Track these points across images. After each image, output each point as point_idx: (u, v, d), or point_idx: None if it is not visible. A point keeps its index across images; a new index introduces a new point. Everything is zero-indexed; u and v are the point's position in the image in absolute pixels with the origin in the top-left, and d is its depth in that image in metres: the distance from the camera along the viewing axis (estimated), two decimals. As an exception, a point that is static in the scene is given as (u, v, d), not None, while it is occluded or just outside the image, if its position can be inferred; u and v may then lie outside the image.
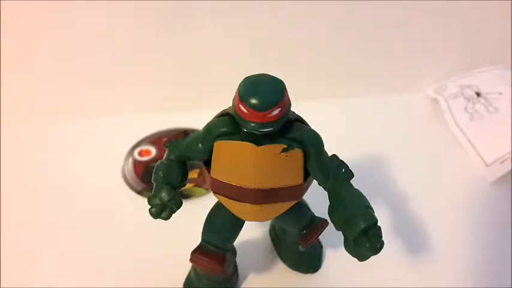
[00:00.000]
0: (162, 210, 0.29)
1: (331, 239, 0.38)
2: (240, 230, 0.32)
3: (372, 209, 0.27)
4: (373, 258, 0.27)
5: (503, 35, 0.57)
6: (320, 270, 0.38)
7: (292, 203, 0.29)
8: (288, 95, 0.26)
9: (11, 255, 0.39)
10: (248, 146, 0.26)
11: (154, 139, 0.50)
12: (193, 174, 0.45)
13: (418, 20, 0.55)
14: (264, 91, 0.25)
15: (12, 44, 0.49)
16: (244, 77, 0.26)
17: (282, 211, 0.29)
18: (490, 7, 0.55)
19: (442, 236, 0.41)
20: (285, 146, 0.26)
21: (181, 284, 0.37)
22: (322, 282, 0.38)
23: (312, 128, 0.29)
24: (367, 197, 0.28)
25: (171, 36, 0.52)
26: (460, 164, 0.49)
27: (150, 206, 0.28)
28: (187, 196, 0.44)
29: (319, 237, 0.35)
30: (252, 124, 0.25)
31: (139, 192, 0.45)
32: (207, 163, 0.28)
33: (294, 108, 0.27)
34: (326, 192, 0.29)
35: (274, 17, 0.52)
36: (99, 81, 0.53)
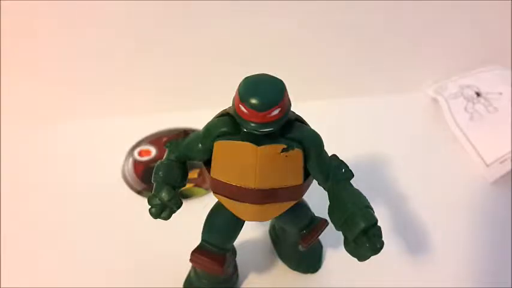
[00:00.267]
0: (162, 210, 0.28)
1: (331, 239, 0.38)
2: (240, 230, 0.32)
3: (372, 209, 0.27)
4: (373, 258, 0.27)
5: (503, 35, 0.57)
6: (320, 270, 0.38)
7: (292, 203, 0.29)
8: (288, 95, 0.26)
9: (11, 255, 0.39)
10: (248, 146, 0.26)
11: (154, 139, 0.50)
12: (193, 174, 0.45)
13: (418, 20, 0.55)
14: (264, 91, 0.25)
15: (12, 45, 0.49)
16: (244, 77, 0.26)
17: (282, 211, 0.29)
18: (490, 7, 0.55)
19: (442, 235, 0.41)
20: (285, 146, 0.26)
21: (181, 284, 0.37)
22: (322, 282, 0.38)
23: (312, 128, 0.29)
24: (367, 197, 0.28)
25: (171, 36, 0.52)
26: (460, 164, 0.49)
27: (150, 206, 0.28)
28: (187, 196, 0.44)
29: (319, 237, 0.35)
30: (252, 124, 0.25)
31: (139, 192, 0.45)
32: (207, 163, 0.28)
33: (294, 108, 0.27)
34: (326, 192, 0.29)
35: (275, 18, 0.52)
36: (99, 82, 0.53)
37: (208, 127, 0.28)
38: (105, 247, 0.40)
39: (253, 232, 0.41)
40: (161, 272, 0.37)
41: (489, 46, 0.57)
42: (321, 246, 0.39)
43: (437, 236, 0.41)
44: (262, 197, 0.27)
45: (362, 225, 0.26)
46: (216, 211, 0.32)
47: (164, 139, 0.50)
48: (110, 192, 0.44)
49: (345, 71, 0.57)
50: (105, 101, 0.53)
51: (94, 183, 0.45)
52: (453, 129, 0.52)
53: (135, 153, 0.49)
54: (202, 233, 0.32)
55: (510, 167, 0.45)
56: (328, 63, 0.56)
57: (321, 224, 0.33)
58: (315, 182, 0.29)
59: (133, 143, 0.50)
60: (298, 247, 0.34)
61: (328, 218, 0.29)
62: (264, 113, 0.24)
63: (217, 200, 0.30)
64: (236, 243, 0.33)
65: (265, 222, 0.41)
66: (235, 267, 0.37)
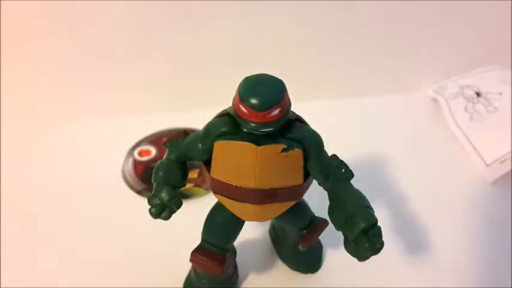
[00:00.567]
0: (162, 210, 0.28)
1: (331, 239, 0.38)
2: (240, 230, 0.32)
3: (372, 209, 0.27)
4: (373, 258, 0.27)
5: (503, 35, 0.57)
6: (320, 270, 0.38)
7: (292, 203, 0.29)
8: (288, 95, 0.26)
9: (11, 255, 0.39)
10: (248, 146, 0.26)
11: (154, 139, 0.50)
12: (193, 174, 0.45)
13: (418, 20, 0.55)
14: (264, 91, 0.25)
15: (12, 46, 0.49)
16: (244, 77, 0.26)
17: (282, 211, 0.29)
18: (490, 7, 0.55)
19: (442, 235, 0.41)
20: (285, 146, 0.26)
21: (181, 284, 0.37)
22: (322, 282, 0.38)
23: (312, 128, 0.29)
24: (367, 197, 0.28)
25: (171, 36, 0.52)
26: (460, 164, 0.49)
27: (150, 206, 0.28)
28: (187, 196, 0.44)
29: (319, 237, 0.35)
30: (252, 124, 0.25)
31: (139, 192, 0.45)
32: (207, 163, 0.28)
33: (294, 108, 0.27)
34: (326, 192, 0.29)
35: (275, 18, 0.52)
36: (99, 82, 0.53)
37: (208, 127, 0.28)
38: (105, 247, 0.40)
39: (253, 232, 0.41)
40: (161, 272, 0.37)
41: (489, 46, 0.57)
42: (321, 246, 0.39)
43: (437, 236, 0.41)
44: (262, 197, 0.27)
45: (362, 225, 0.26)
46: (216, 211, 0.32)
47: (164, 139, 0.50)
48: (110, 192, 0.44)
49: (345, 71, 0.57)
50: (105, 101, 0.53)
51: (94, 183, 0.45)
52: (453, 129, 0.52)
53: (135, 153, 0.49)
54: (202, 233, 0.32)
55: (510, 167, 0.45)
56: (328, 63, 0.56)
57: (321, 224, 0.33)
58: (315, 182, 0.29)
59: (133, 143, 0.50)
60: (298, 247, 0.34)
61: (328, 218, 0.29)
62: (264, 113, 0.24)
63: (217, 200, 0.30)
64: (236, 243, 0.33)
65: (265, 222, 0.41)
66: (235, 267, 0.37)
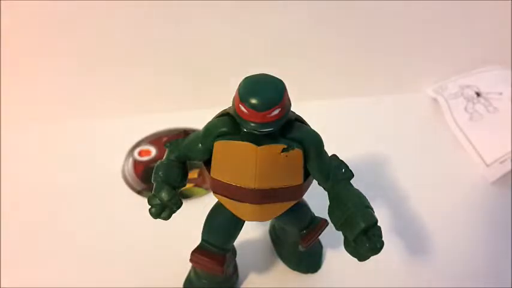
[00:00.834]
0: (162, 210, 0.28)
1: (331, 239, 0.38)
2: (240, 230, 0.32)
3: (371, 209, 0.27)
4: (373, 258, 0.27)
5: (503, 35, 0.57)
6: (320, 270, 0.38)
7: (292, 203, 0.29)
8: (288, 95, 0.26)
9: (11, 255, 0.39)
10: (248, 146, 0.26)
11: (154, 139, 0.50)
12: (193, 174, 0.45)
13: (418, 20, 0.55)
14: (264, 91, 0.25)
15: (12, 45, 0.49)
16: (244, 77, 0.26)
17: (282, 211, 0.29)
18: (490, 7, 0.55)
19: (442, 235, 0.41)
20: (285, 146, 0.26)
21: (181, 284, 0.37)
22: (322, 282, 0.38)
23: (312, 128, 0.29)
24: (367, 197, 0.28)
25: (171, 36, 0.52)
26: (460, 164, 0.49)
27: (150, 206, 0.28)
28: (187, 196, 0.44)
29: (319, 237, 0.35)
30: (252, 124, 0.25)
31: (139, 192, 0.45)
32: (207, 163, 0.28)
33: (294, 108, 0.27)
34: (326, 192, 0.29)
35: (275, 17, 0.52)
36: (99, 82, 0.53)
37: (208, 127, 0.28)
38: (105, 247, 0.40)
39: (253, 232, 0.41)
40: (161, 272, 0.37)
41: (489, 46, 0.57)
42: (321, 246, 0.39)
43: (437, 236, 0.41)
44: (262, 197, 0.27)
45: (362, 225, 0.26)
46: (216, 211, 0.32)
47: (164, 139, 0.50)
48: (110, 192, 0.44)
49: (345, 71, 0.57)
50: (105, 101, 0.53)
51: (94, 183, 0.45)
52: (453, 129, 0.52)
53: (135, 153, 0.49)
54: (202, 233, 0.32)
55: (510, 167, 0.45)
56: (328, 63, 0.56)
57: (321, 224, 0.33)
58: (315, 182, 0.29)
59: (133, 143, 0.50)
60: (298, 247, 0.34)
61: (328, 218, 0.29)
62: (264, 113, 0.24)
63: (217, 200, 0.30)
64: (236, 243, 0.33)
65: (265, 222, 0.41)
66: (235, 267, 0.37)
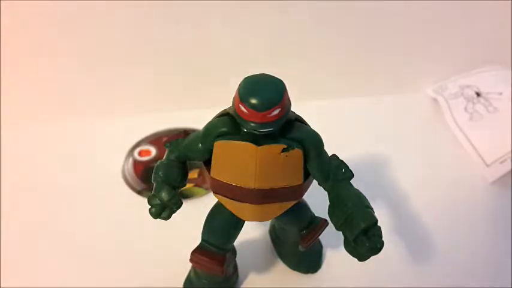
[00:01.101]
0: (162, 210, 0.28)
1: (331, 239, 0.38)
2: (240, 230, 0.32)
3: (371, 209, 0.27)
4: (373, 258, 0.27)
5: (503, 35, 0.57)
6: (320, 270, 0.38)
7: (292, 203, 0.29)
8: (288, 95, 0.26)
9: (11, 255, 0.39)
10: (248, 146, 0.26)
11: (154, 139, 0.50)
12: (193, 174, 0.45)
13: (418, 20, 0.55)
14: (264, 91, 0.25)
15: (12, 45, 0.49)
16: (244, 77, 0.26)
17: (282, 211, 0.29)
18: (490, 7, 0.55)
19: (441, 235, 0.41)
20: (285, 146, 0.26)
21: (181, 284, 0.37)
22: (322, 282, 0.38)
23: (312, 128, 0.29)
24: (367, 197, 0.28)
25: (171, 35, 0.52)
26: (460, 164, 0.49)
27: (150, 206, 0.28)
28: (187, 196, 0.44)
29: (319, 237, 0.35)
30: (252, 124, 0.25)
31: (139, 192, 0.45)
32: (207, 163, 0.28)
33: (294, 108, 0.27)
34: (326, 192, 0.29)
35: (275, 17, 0.52)
36: (99, 81, 0.53)
37: (208, 127, 0.28)
38: (105, 247, 0.40)
39: (253, 232, 0.41)
40: (161, 272, 0.37)
41: (489, 46, 0.57)
42: (321, 246, 0.39)
43: (437, 236, 0.41)
44: (262, 197, 0.27)
45: (362, 225, 0.26)
46: (216, 211, 0.32)
47: (164, 139, 0.50)
48: (110, 192, 0.44)
49: (345, 71, 0.57)
50: (105, 101, 0.53)
51: (94, 183, 0.45)
52: (453, 129, 0.52)
53: (135, 153, 0.49)
54: (202, 233, 0.32)
55: (510, 167, 0.45)
56: (328, 63, 0.56)
57: (321, 224, 0.33)
58: (315, 182, 0.29)
59: (133, 143, 0.50)
60: (298, 247, 0.34)
61: (328, 218, 0.29)
62: (264, 113, 0.24)
63: (217, 200, 0.30)
64: (236, 243, 0.33)
65: (265, 222, 0.41)
66: (235, 267, 0.37)
